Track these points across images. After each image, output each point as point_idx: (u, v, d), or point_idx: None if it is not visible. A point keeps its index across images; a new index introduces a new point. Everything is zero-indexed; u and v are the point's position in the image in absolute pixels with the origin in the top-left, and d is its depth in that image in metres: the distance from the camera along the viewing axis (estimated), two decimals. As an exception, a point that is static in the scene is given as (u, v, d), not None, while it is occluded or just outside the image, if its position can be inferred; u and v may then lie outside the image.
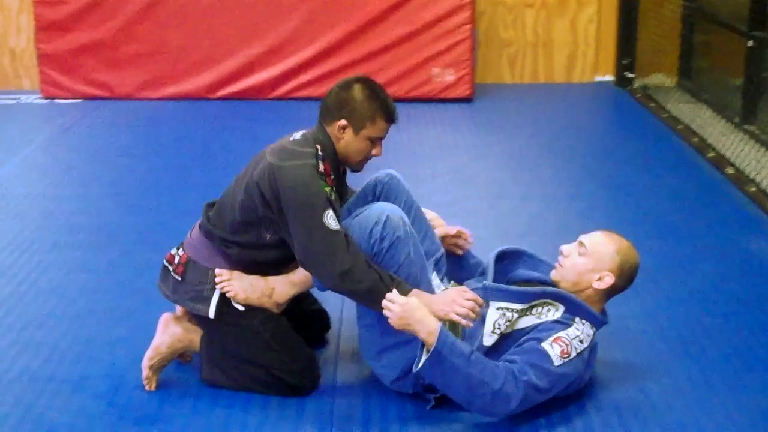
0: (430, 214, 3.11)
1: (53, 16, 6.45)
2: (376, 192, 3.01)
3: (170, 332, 2.93)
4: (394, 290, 2.61)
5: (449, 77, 6.38)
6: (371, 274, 2.64)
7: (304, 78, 6.45)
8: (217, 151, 5.43)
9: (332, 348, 3.14)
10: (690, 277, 3.66)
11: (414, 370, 2.61)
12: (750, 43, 5.16)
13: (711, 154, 5.08)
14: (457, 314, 2.63)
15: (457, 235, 3.12)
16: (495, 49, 6.92)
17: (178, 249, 2.93)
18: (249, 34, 6.44)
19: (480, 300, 2.67)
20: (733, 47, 5.51)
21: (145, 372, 2.88)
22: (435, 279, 2.92)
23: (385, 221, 2.66)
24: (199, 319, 2.88)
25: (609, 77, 6.89)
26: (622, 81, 6.70)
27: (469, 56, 6.37)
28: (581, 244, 2.85)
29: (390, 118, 2.85)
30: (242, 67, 6.50)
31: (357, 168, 2.94)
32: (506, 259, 3.00)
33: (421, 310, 2.57)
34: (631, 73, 6.66)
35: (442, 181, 4.88)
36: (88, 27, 6.47)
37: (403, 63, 6.39)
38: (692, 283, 3.60)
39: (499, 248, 3.00)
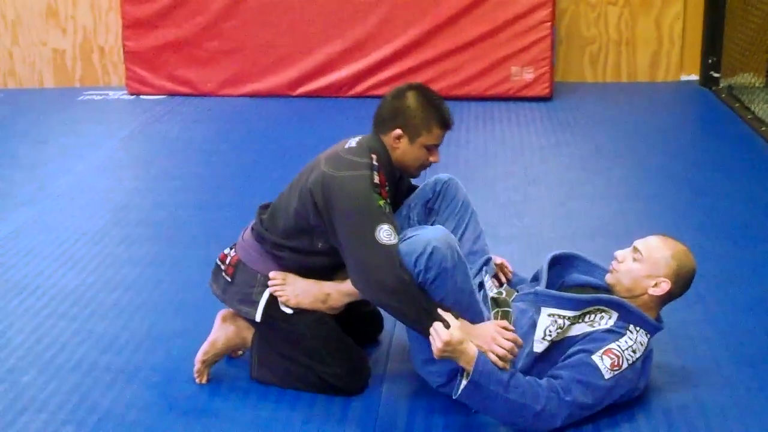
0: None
1: (139, 14, 6.62)
2: (436, 189, 3.01)
3: (226, 329, 2.97)
4: (439, 324, 2.55)
5: (528, 76, 6.31)
6: (417, 298, 2.59)
7: (382, 76, 6.46)
8: (294, 149, 5.47)
9: (384, 348, 3.13)
10: (759, 284, 3.53)
11: (454, 396, 2.59)
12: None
13: (794, 157, 4.90)
14: (495, 354, 2.56)
15: (500, 267, 3.06)
16: (577, 47, 6.80)
17: (231, 249, 2.96)
18: (329, 32, 6.49)
19: (520, 341, 2.60)
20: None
21: (198, 365, 2.93)
22: (488, 281, 2.89)
23: (431, 253, 2.56)
24: (250, 320, 2.90)
25: (694, 77, 6.70)
26: (707, 80, 6.51)
27: (548, 54, 6.28)
28: (636, 249, 2.78)
29: (445, 125, 2.83)
30: (322, 64, 6.55)
31: (414, 175, 2.93)
32: (559, 264, 2.95)
33: (461, 342, 2.53)
34: (717, 72, 6.46)
35: (514, 181, 4.82)
36: (172, 24, 6.61)
37: (481, 61, 6.34)
38: (758, 289, 3.48)
39: (553, 253, 2.95)
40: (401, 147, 2.80)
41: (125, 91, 6.86)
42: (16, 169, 5.23)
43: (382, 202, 2.67)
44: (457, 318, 2.61)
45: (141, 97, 6.78)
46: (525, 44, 6.28)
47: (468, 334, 2.57)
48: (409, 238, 2.64)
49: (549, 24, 6.25)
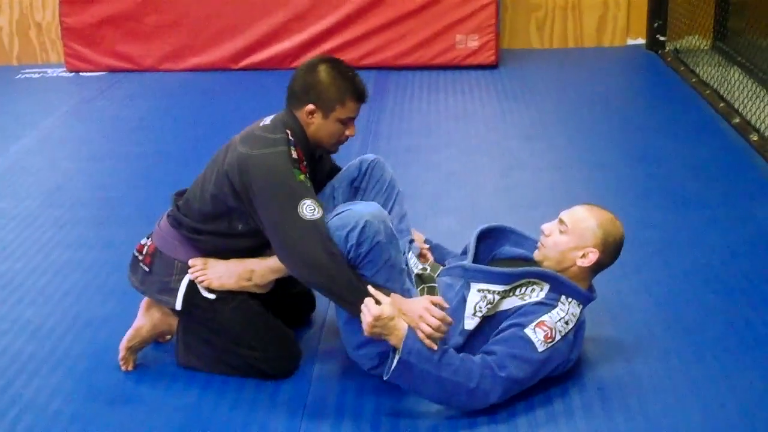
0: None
1: (76, -11, 6.44)
2: (362, 169, 2.95)
3: (151, 315, 2.89)
4: (369, 299, 2.49)
5: (473, 43, 6.23)
6: (345, 274, 2.53)
7: (325, 46, 6.34)
8: (236, 122, 5.19)
9: (317, 328, 3.07)
10: (697, 250, 3.51)
11: (385, 378, 2.53)
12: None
13: (736, 120, 4.87)
14: (423, 332, 2.49)
15: (421, 246, 3.01)
16: (522, 14, 6.73)
17: (147, 239, 2.87)
18: (270, 3, 6.36)
19: (448, 319, 2.53)
20: (769, 7, 5.27)
21: (122, 353, 2.85)
22: (412, 258, 2.84)
23: (364, 227, 2.51)
24: (172, 309, 2.82)
25: (641, 40, 6.66)
26: (653, 44, 6.47)
27: (493, 22, 6.20)
28: (561, 221, 2.74)
29: (360, 98, 2.75)
30: (265, 36, 6.42)
31: (332, 150, 2.85)
32: (490, 238, 2.90)
33: (392, 318, 2.47)
34: (663, 35, 6.42)
35: (456, 150, 4.76)
36: (110, -1, 6.45)
37: (425, 29, 6.26)
38: (699, 257, 3.45)
39: (482, 226, 2.90)
40: (315, 122, 2.73)
41: (64, 68, 6.69)
42: (-55, 152, 5.09)
43: (302, 177, 2.60)
44: (388, 295, 2.55)
45: (80, 74, 6.62)
46: (469, 11, 6.20)
47: (399, 310, 2.51)
48: (340, 213, 2.58)
49: (493, -10, 6.18)
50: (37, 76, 6.69)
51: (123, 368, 2.85)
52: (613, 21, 6.71)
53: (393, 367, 2.49)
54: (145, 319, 2.89)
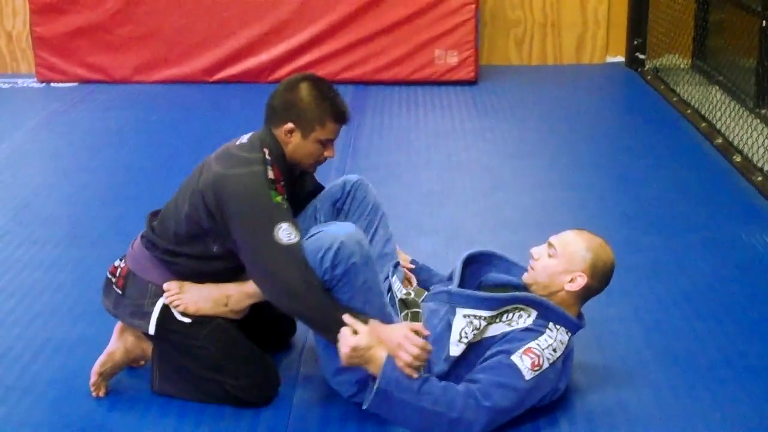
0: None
1: (47, -2, 6.32)
2: (345, 189, 2.87)
3: (125, 339, 2.79)
4: (346, 328, 2.41)
5: (452, 59, 6.17)
6: (321, 302, 2.45)
7: (303, 60, 6.28)
8: (210, 136, 5.22)
9: (296, 352, 2.97)
10: (685, 276, 3.44)
11: (364, 407, 2.44)
12: (764, 23, 4.90)
13: (719, 141, 4.84)
14: (403, 361, 2.40)
15: (406, 269, 2.93)
16: (501, 30, 6.69)
17: (121, 261, 2.76)
18: (247, 16, 6.27)
19: (429, 347, 2.44)
20: (748, 26, 5.25)
21: (94, 377, 2.73)
22: (396, 283, 2.75)
23: (339, 249, 2.42)
24: (146, 333, 2.71)
25: (620, 58, 6.64)
26: (633, 62, 6.45)
27: (472, 38, 6.15)
28: (550, 245, 2.67)
29: (340, 119, 2.66)
30: (240, 49, 6.33)
31: (310, 170, 2.77)
32: (476, 263, 2.82)
33: (370, 348, 2.40)
34: (643, 53, 6.40)
35: (436, 169, 4.69)
36: (83, 9, 6.32)
37: (404, 45, 6.19)
38: (686, 283, 3.39)
39: (468, 251, 2.82)
40: (294, 141, 2.64)
41: (35, 79, 6.55)
42: None
43: (279, 198, 2.51)
44: (366, 322, 2.46)
45: (52, 84, 6.48)
46: (448, 27, 6.15)
47: (377, 338, 2.43)
48: (314, 234, 2.50)
49: (473, 6, 6.13)
50: (6, 86, 6.54)
51: (94, 394, 2.73)
52: (593, 39, 6.68)
53: (372, 397, 2.40)
54: (118, 344, 2.78)
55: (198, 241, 2.62)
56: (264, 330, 2.83)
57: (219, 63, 6.35)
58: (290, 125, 2.63)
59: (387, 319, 2.53)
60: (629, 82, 6.30)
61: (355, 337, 2.40)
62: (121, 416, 2.66)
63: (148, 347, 2.79)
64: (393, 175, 4.58)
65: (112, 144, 5.26)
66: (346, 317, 2.44)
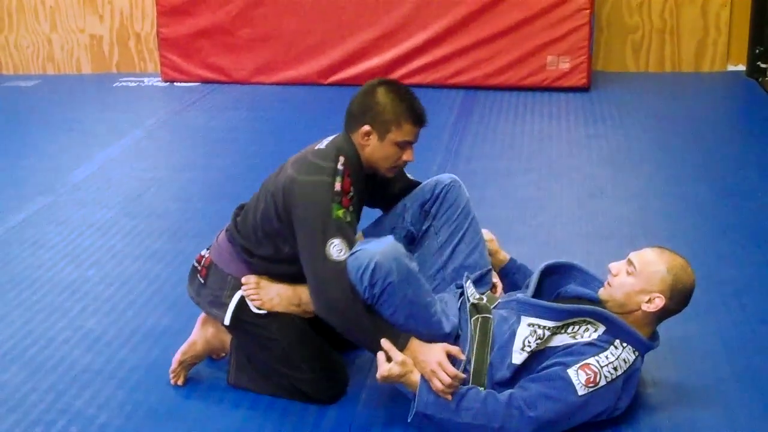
0: (487, 235, 2.96)
1: (174, 1, 6.56)
2: (435, 192, 2.87)
3: (206, 331, 2.90)
4: (381, 354, 2.48)
5: (564, 65, 6.10)
6: (362, 318, 2.50)
7: (415, 64, 6.32)
8: (318, 138, 5.35)
9: (370, 353, 3.01)
10: (779, 295, 3.33)
11: (408, 420, 2.51)
12: None
13: (838, 156, 4.63)
14: (435, 387, 2.47)
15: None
16: (618, 36, 6.56)
17: (207, 250, 2.88)
18: (362, 20, 6.37)
19: (462, 376, 2.48)
20: None
21: (174, 365, 2.86)
22: (470, 288, 2.75)
23: (374, 269, 2.44)
24: (222, 324, 2.81)
25: (741, 67, 6.41)
26: (754, 71, 6.22)
27: (586, 44, 6.06)
28: (630, 262, 2.61)
29: (417, 121, 2.69)
30: (354, 52, 6.43)
31: (388, 174, 2.79)
32: (557, 274, 2.80)
33: (402, 375, 2.47)
34: (765, 62, 6.16)
35: (535, 175, 4.65)
36: (206, 11, 6.55)
37: (516, 50, 6.15)
38: (780, 302, 3.27)
39: (548, 262, 2.80)
40: (371, 144, 2.68)
41: (160, 78, 6.83)
42: (37, 158, 5.22)
43: (341, 213, 2.56)
44: (407, 340, 2.51)
45: (175, 84, 6.74)
46: (562, 33, 6.07)
47: (414, 358, 2.49)
48: (355, 252, 2.52)
49: (587, 12, 6.03)
50: (133, 84, 6.84)
51: (173, 381, 2.86)
52: (713, 46, 6.47)
53: (412, 417, 2.48)
54: (199, 334, 2.90)
55: (270, 241, 2.70)
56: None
57: (333, 66, 6.47)
58: (367, 128, 2.67)
59: (435, 328, 2.57)
60: (749, 91, 6.07)
61: (387, 365, 2.47)
62: (195, 404, 2.78)
63: (227, 339, 2.89)
64: (491, 180, 4.58)
65: (224, 142, 5.44)
66: (383, 342, 2.49)
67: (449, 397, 2.46)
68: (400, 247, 2.53)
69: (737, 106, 6.03)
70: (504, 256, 2.98)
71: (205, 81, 6.68)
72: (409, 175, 2.98)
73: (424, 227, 2.87)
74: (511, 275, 2.95)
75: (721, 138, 5.24)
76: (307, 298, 2.70)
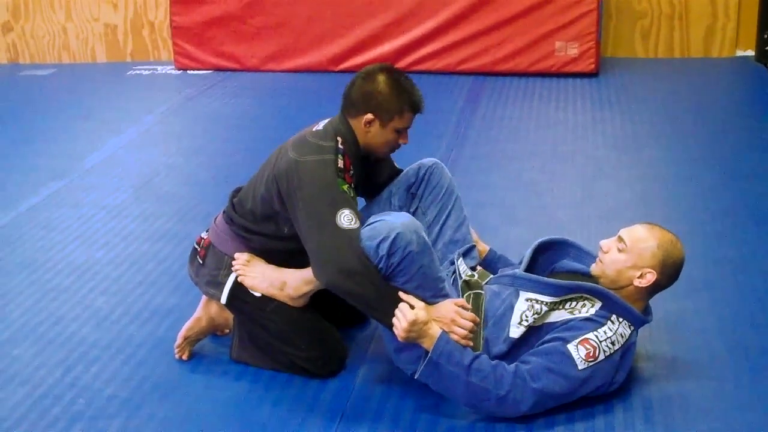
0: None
1: (186, -11, 6.65)
2: (420, 174, 2.95)
3: (210, 307, 2.98)
4: (404, 305, 2.53)
5: (572, 51, 6.13)
6: (376, 281, 2.54)
7: (425, 51, 6.37)
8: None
9: (370, 329, 3.08)
10: (776, 273, 3.37)
11: (415, 376, 2.56)
12: None
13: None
14: (458, 334, 2.55)
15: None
16: (627, 22, 6.57)
17: (206, 232, 2.95)
18: (372, 7, 6.42)
19: (477, 318, 2.58)
20: None
21: (179, 340, 2.94)
22: (462, 265, 2.82)
23: (395, 238, 2.50)
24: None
25: (750, 52, 6.41)
26: (762, 56, 6.23)
27: (594, 30, 6.09)
28: (620, 239, 2.67)
29: (416, 109, 2.78)
30: (365, 40, 6.48)
31: (384, 156, 2.89)
32: (550, 250, 2.86)
33: (426, 322, 2.52)
34: (774, 47, 6.18)
35: (539, 159, 4.70)
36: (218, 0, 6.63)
37: (524, 36, 6.18)
38: (776, 279, 3.31)
39: (542, 239, 2.86)
40: (372, 131, 2.76)
41: (173, 66, 6.91)
42: (53, 143, 5.32)
43: (345, 187, 2.63)
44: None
45: (188, 71, 6.82)
46: (570, 19, 6.10)
47: (430, 315, 2.54)
48: (373, 223, 2.59)
49: (595, -2, 6.07)
50: (147, 72, 6.93)
51: (177, 356, 2.94)
52: (722, 31, 6.48)
53: (422, 367, 2.53)
54: (204, 311, 2.98)
55: (270, 222, 2.78)
56: (340, 306, 2.94)
57: (344, 53, 6.53)
58: (370, 116, 2.74)
59: (440, 300, 2.62)
60: (758, 76, 6.08)
61: (413, 311, 2.51)
62: (198, 378, 2.86)
63: (230, 316, 2.96)
64: (496, 164, 4.63)
65: (234, 128, 5.52)
66: (402, 294, 2.54)
67: (470, 343, 2.54)
68: (418, 222, 2.61)
69: (746, 91, 6.04)
70: (483, 246, 3.04)
71: (218, 69, 6.76)
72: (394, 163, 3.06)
73: (412, 209, 2.95)
74: (493, 264, 3.01)
75: (729, 123, 5.25)
76: (294, 283, 2.75)
